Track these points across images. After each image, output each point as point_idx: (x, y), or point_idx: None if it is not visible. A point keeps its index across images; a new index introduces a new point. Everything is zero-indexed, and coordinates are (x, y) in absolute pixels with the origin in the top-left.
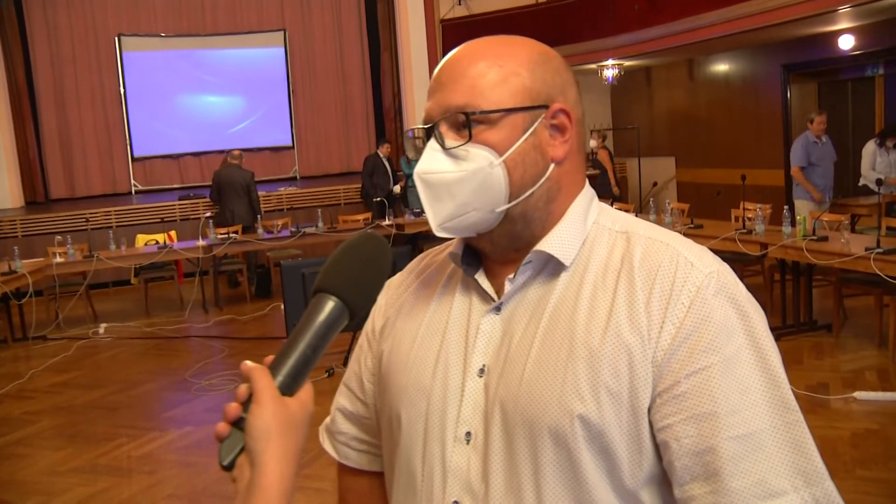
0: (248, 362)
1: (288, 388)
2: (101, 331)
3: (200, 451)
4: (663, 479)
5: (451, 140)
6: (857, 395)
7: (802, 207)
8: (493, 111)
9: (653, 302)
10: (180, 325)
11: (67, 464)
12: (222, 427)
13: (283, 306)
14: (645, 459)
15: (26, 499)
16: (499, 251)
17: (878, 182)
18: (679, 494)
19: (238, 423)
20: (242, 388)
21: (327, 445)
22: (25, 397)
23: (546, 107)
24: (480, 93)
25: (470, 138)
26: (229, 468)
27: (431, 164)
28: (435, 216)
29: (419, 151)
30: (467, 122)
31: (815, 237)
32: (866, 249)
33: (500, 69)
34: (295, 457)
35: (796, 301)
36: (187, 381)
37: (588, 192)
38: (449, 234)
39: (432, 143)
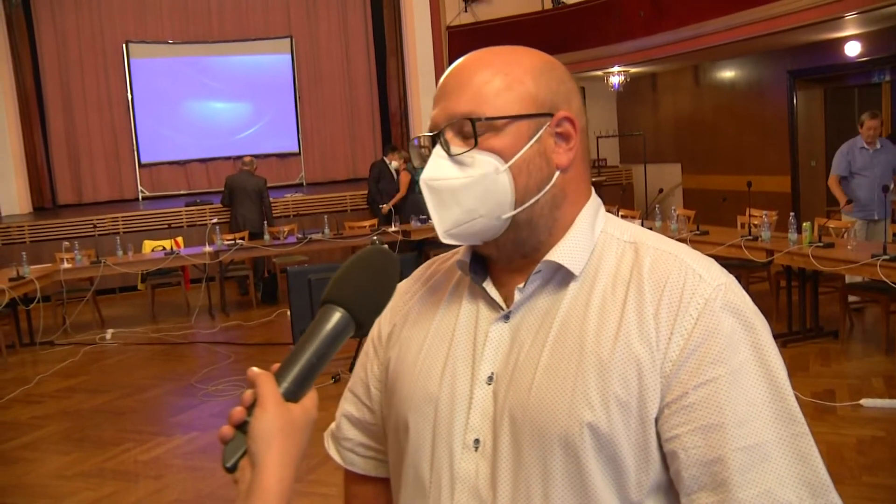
0: (255, 368)
1: (293, 395)
2: (108, 336)
3: (206, 457)
4: (668, 489)
5: (456, 147)
6: (864, 401)
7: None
8: (498, 118)
9: (661, 313)
10: (187, 330)
11: (74, 468)
12: (226, 430)
13: (289, 312)
14: (651, 469)
15: (33, 502)
16: (505, 257)
17: (885, 188)
18: (686, 502)
19: (242, 427)
20: (248, 394)
21: (332, 451)
22: (33, 402)
23: (551, 115)
24: (486, 100)
25: (476, 144)
26: (232, 470)
27: (437, 170)
28: (441, 222)
29: (425, 159)
30: (473, 129)
31: (821, 244)
32: (873, 256)
33: (506, 76)
34: (295, 461)
35: (802, 307)
36: (193, 386)
37: (595, 200)
38: (455, 241)
39: (438, 150)
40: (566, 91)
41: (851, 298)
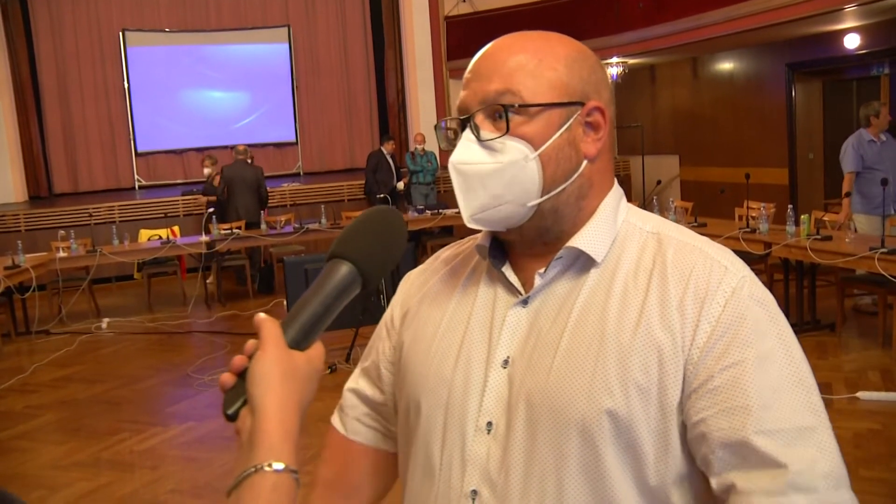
0: (261, 314)
1: (297, 344)
2: (104, 326)
3: (203, 447)
4: (692, 479)
5: (487, 131)
6: (861, 395)
7: (863, 224)
8: (532, 105)
9: (686, 302)
10: (183, 320)
11: (70, 458)
12: (227, 377)
13: (285, 302)
14: (672, 457)
15: (29, 493)
16: (527, 244)
17: (884, 181)
18: (716, 483)
19: (243, 375)
20: (251, 342)
21: (336, 421)
22: (28, 391)
23: (582, 104)
24: (518, 86)
25: (508, 130)
26: (233, 418)
27: (467, 154)
28: (467, 206)
29: (451, 143)
30: (505, 115)
31: (818, 236)
32: (870, 249)
33: (539, 63)
34: (297, 406)
35: (799, 300)
36: (190, 376)
37: (618, 190)
38: (480, 226)
39: (468, 134)
40: (597, 80)
41: (864, 301)
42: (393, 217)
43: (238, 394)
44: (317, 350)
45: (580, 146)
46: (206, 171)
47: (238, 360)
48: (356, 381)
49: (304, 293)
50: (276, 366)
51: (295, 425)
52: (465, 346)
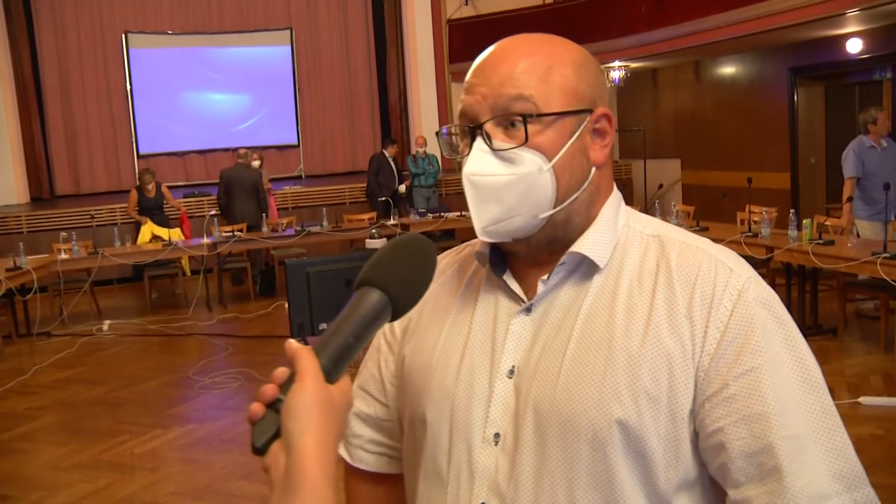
0: (293, 342)
1: (329, 375)
2: (105, 327)
3: (203, 449)
4: (700, 485)
5: (499, 141)
6: (863, 400)
7: (865, 229)
8: (547, 114)
9: (694, 307)
10: (184, 322)
11: (70, 459)
12: (256, 408)
13: (286, 305)
14: (681, 465)
15: (28, 494)
16: (533, 254)
17: (886, 186)
18: (734, 496)
19: (274, 405)
20: (281, 370)
21: (341, 450)
22: (29, 393)
23: (591, 111)
24: (532, 91)
25: (526, 141)
26: (262, 452)
27: (481, 165)
28: (480, 219)
29: (454, 150)
30: (524, 124)
31: (821, 241)
32: (873, 254)
33: (549, 69)
34: (335, 443)
35: (801, 305)
36: (190, 378)
37: (617, 194)
38: (491, 239)
39: (479, 144)
40: (601, 85)
41: (866, 305)
42: (422, 244)
43: (268, 426)
44: (347, 383)
45: (589, 154)
46: (149, 186)
47: (269, 390)
48: (355, 401)
49: (332, 323)
50: (317, 400)
51: (333, 465)
52: (466, 355)
